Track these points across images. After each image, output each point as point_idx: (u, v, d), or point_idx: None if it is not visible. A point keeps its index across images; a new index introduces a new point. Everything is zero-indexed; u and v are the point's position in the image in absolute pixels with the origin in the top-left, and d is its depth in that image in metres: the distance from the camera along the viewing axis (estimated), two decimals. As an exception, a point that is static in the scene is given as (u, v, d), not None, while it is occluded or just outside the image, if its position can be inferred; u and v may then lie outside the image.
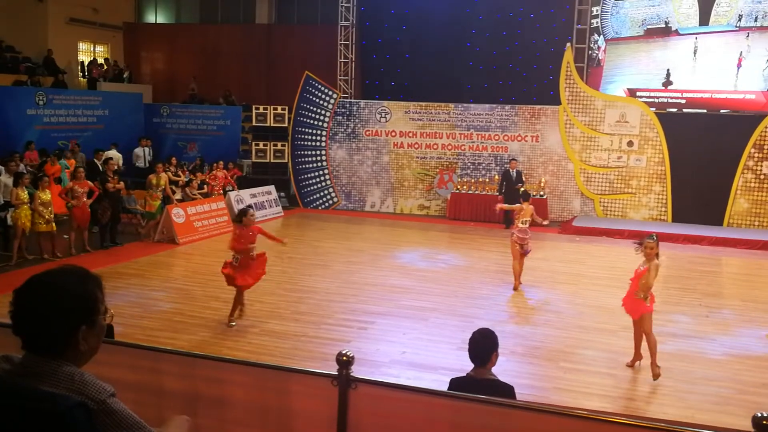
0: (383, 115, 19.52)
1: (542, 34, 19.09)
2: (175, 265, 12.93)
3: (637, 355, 7.81)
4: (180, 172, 16.80)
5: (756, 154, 16.96)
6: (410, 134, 19.38)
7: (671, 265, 14.08)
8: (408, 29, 20.02)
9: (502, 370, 6.71)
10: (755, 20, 17.23)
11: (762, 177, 16.95)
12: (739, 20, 17.34)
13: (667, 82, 17.98)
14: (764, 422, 2.59)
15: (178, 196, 15.65)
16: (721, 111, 17.61)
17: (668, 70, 17.99)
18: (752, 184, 17.05)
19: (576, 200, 18.37)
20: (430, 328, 9.24)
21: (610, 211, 18.09)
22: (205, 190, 16.67)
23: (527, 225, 11.03)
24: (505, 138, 18.77)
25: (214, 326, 9.04)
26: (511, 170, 17.17)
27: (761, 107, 17.17)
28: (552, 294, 11.07)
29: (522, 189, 14.78)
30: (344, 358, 3.26)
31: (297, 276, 11.84)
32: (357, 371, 3.32)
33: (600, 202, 18.16)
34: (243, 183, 18.67)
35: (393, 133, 19.48)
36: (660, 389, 7.29)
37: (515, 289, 11.10)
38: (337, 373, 3.26)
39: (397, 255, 13.81)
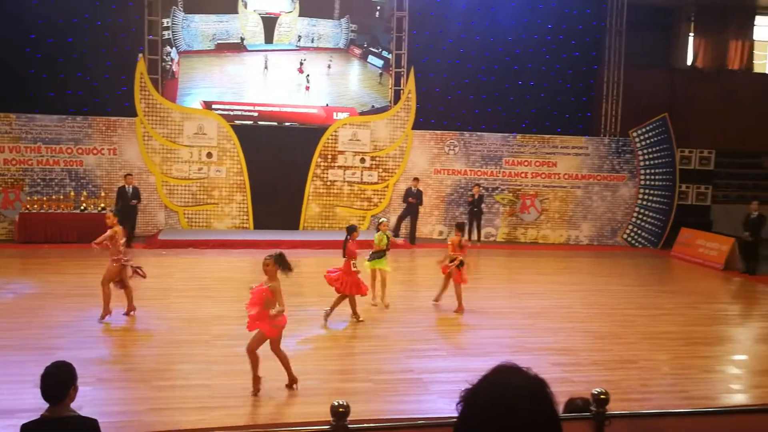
0: (-75, 127, 16.59)
1: (113, 42, 18.26)
2: None
3: (291, 378, 7.60)
4: None
5: (322, 163, 18.78)
6: (-37, 149, 16.84)
7: (256, 269, 14.75)
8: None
9: (88, 401, 6.19)
10: (312, 41, 19.07)
11: (329, 183, 18.84)
12: (299, 40, 19.01)
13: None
14: (340, 410, 2.81)
15: None
16: (291, 123, 19.05)
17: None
18: (321, 190, 18.84)
19: (160, 213, 18.07)
20: None
21: (195, 222, 18.22)
22: None
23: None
24: (79, 151, 17.55)
25: None
26: (127, 186, 16.66)
27: (323, 120, 19.07)
28: (141, 312, 10.63)
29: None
30: None
31: None
32: None
33: (184, 213, 18.16)
34: None
35: (-60, 148, 16.68)
36: (259, 393, 7.48)
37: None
38: None
39: (-47, 289, 11.83)
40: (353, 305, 10.55)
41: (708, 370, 9.13)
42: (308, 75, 19.03)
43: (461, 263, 11.41)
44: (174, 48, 18.43)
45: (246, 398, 7.35)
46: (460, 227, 12.16)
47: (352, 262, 10.46)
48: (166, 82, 18.44)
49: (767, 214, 16.19)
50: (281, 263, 7.55)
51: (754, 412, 4.50)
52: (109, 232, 10.21)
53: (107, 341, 9.50)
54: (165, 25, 18.24)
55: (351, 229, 10.88)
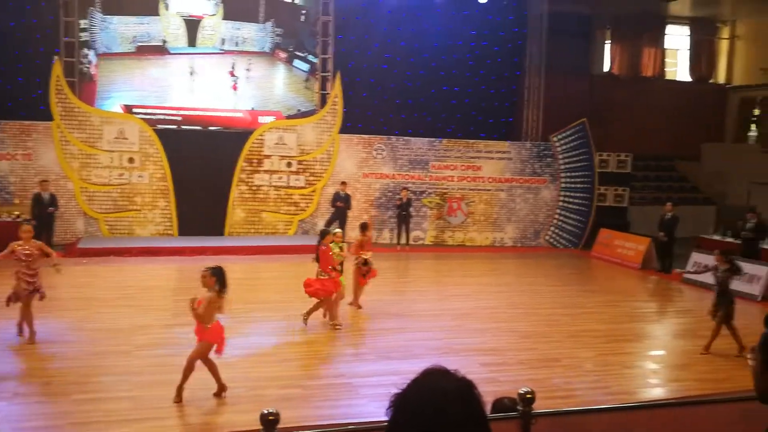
0: None
1: (26, 44, 17.58)
2: None
3: (221, 386, 7.50)
4: None
5: (247, 168, 18.53)
6: None
7: (181, 277, 14.48)
8: None
9: (4, 417, 5.95)
10: (236, 45, 18.82)
11: (254, 188, 18.60)
12: (223, 44, 18.72)
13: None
14: (270, 417, 2.78)
15: None
16: (216, 128, 18.72)
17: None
18: (246, 195, 18.59)
19: (80, 220, 17.46)
20: None
21: (117, 229, 17.69)
22: None
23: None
24: (-9, 157, 16.81)
25: None
26: (43, 193, 15.33)
27: (248, 124, 18.83)
28: (61, 323, 10.24)
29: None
30: None
31: None
32: None
33: (105, 220, 17.60)
34: None
35: None
36: (182, 401, 7.32)
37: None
38: None
39: None
40: (314, 309, 10.47)
41: (628, 366, 9.46)
42: (236, 78, 18.79)
43: (365, 262, 11.47)
44: (92, 50, 17.85)
45: (172, 409, 7.17)
46: (363, 227, 12.19)
47: (318, 270, 10.31)
48: (83, 85, 17.83)
49: (680, 215, 16.91)
50: (218, 278, 7.52)
51: (672, 406, 4.69)
52: (46, 250, 9.64)
53: (24, 354, 9.08)
54: (82, 26, 17.63)
55: (324, 233, 10.60)
